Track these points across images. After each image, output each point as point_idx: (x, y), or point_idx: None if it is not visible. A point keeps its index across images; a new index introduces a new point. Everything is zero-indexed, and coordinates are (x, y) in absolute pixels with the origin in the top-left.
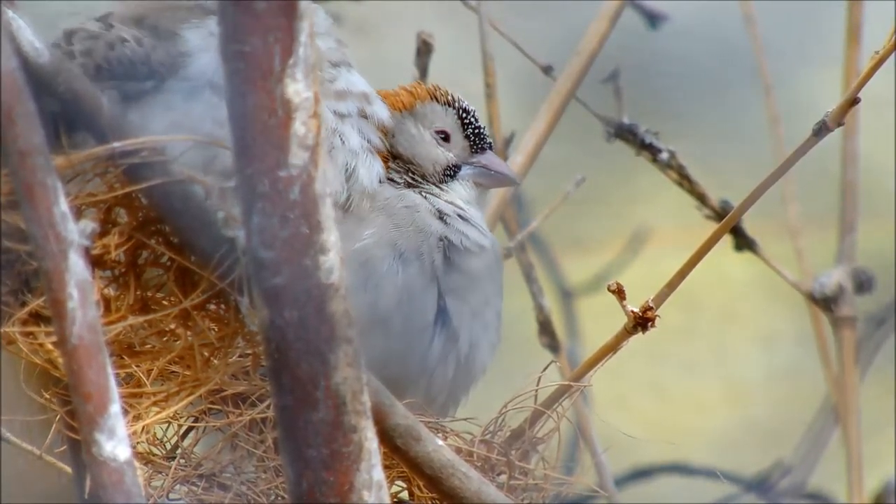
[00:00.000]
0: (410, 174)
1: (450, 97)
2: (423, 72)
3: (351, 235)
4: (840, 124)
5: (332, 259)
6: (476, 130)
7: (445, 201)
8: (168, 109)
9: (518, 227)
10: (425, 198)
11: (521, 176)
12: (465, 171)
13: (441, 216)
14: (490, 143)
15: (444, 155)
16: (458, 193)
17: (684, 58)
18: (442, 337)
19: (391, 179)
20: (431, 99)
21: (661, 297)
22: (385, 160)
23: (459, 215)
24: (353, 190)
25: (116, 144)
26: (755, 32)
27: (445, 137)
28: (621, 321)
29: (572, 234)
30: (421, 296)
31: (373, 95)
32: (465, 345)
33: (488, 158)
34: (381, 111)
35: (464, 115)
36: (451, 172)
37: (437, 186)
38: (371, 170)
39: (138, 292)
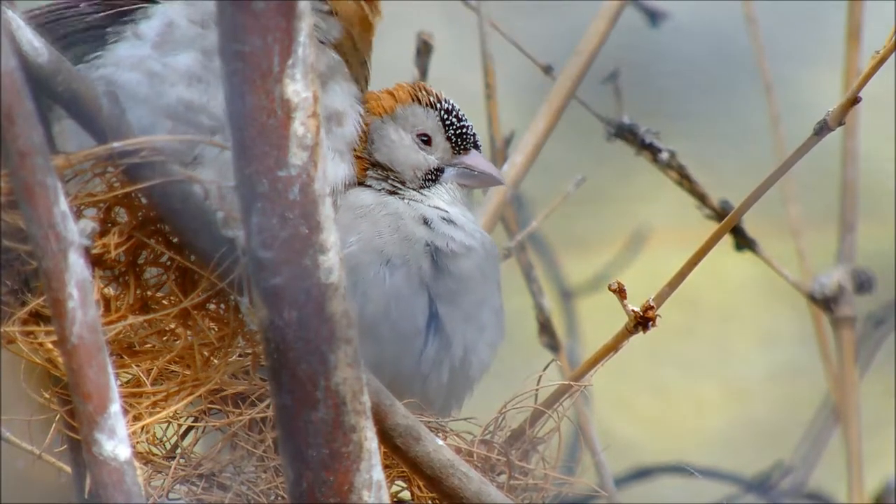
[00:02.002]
0: (390, 181)
1: (432, 98)
2: (423, 72)
3: None
4: (841, 124)
5: (332, 259)
6: (459, 131)
7: (428, 206)
8: (113, 56)
9: (518, 226)
10: (408, 204)
11: (521, 176)
12: (449, 172)
13: (425, 221)
14: (475, 142)
15: (424, 159)
16: (441, 196)
17: (684, 57)
18: (435, 342)
19: (369, 186)
20: (413, 101)
21: (662, 296)
22: (363, 169)
23: (444, 218)
24: None
25: (116, 144)
26: (756, 32)
27: (427, 140)
28: (622, 321)
29: (572, 233)
30: (410, 302)
31: (346, 115)
32: (460, 349)
33: (472, 159)
34: (351, 132)
35: (446, 116)
36: (432, 176)
37: (418, 192)
38: (336, 169)
39: (138, 292)
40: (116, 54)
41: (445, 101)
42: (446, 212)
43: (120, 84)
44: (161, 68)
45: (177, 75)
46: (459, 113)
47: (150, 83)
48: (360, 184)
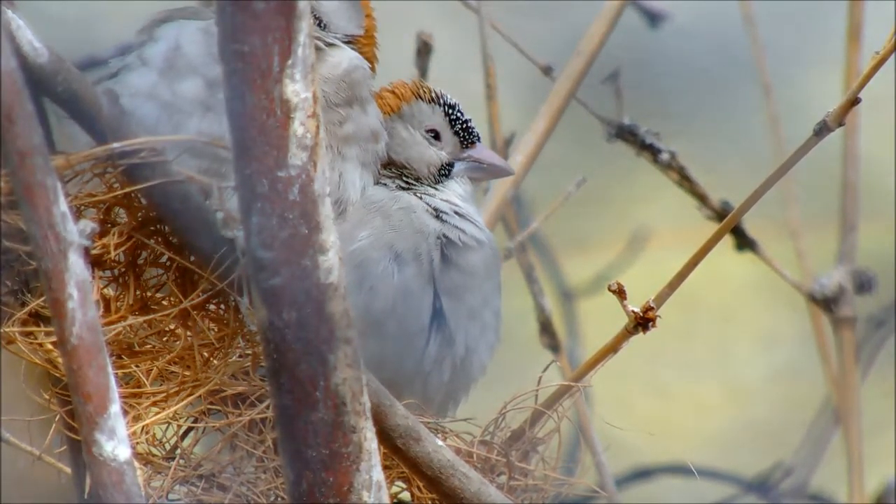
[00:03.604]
0: (403, 178)
1: (433, 94)
2: (423, 72)
3: (347, 237)
4: (841, 124)
5: (331, 259)
6: (464, 125)
7: (441, 200)
8: (121, 83)
9: (518, 227)
10: (420, 198)
11: (522, 176)
12: (459, 167)
13: (438, 214)
14: (478, 134)
15: (437, 154)
16: (454, 191)
17: (684, 58)
18: (437, 340)
19: (383, 184)
20: (416, 98)
21: (662, 297)
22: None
23: (456, 212)
24: (342, 196)
25: (116, 144)
26: (754, 33)
27: (436, 136)
28: (622, 321)
29: (573, 234)
30: (417, 298)
31: (380, 133)
32: (462, 347)
33: (479, 152)
34: (382, 148)
35: (450, 110)
36: (445, 171)
37: (431, 187)
38: (361, 180)
39: (138, 292)
40: (130, 83)
41: (445, 96)
42: (459, 206)
43: (139, 116)
44: (172, 97)
45: (188, 104)
46: (460, 107)
47: (168, 115)
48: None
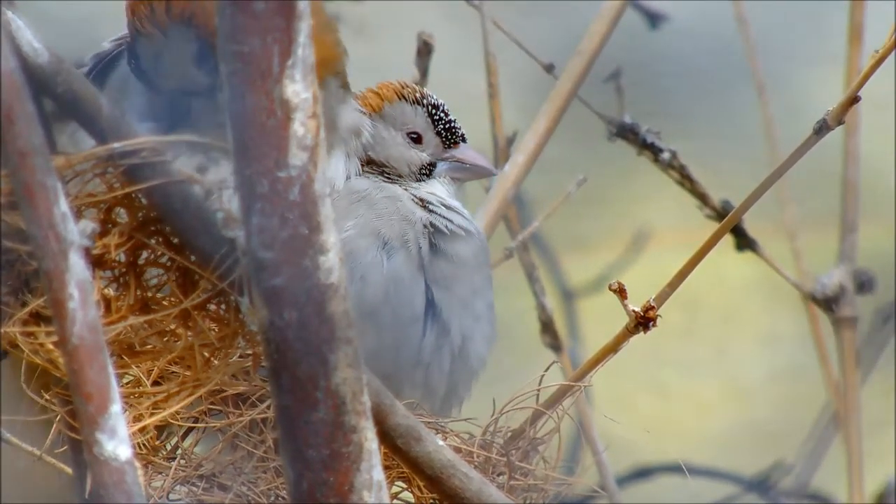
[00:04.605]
0: (385, 175)
1: (417, 94)
2: (423, 72)
3: None
4: (840, 123)
5: (332, 259)
6: (447, 125)
7: (426, 192)
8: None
9: (520, 226)
10: (405, 189)
11: (522, 175)
12: (441, 167)
13: (424, 204)
14: (462, 135)
15: (417, 156)
16: (437, 189)
17: (685, 58)
18: (434, 329)
19: (366, 176)
20: (399, 99)
21: (662, 296)
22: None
23: (442, 203)
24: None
25: (116, 144)
26: (747, 32)
27: (417, 138)
28: (622, 321)
29: (574, 233)
30: (409, 286)
31: (363, 127)
32: (458, 336)
33: (462, 152)
34: (366, 140)
35: (433, 111)
36: (426, 171)
37: (415, 183)
38: (343, 165)
39: (138, 292)
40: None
41: (430, 97)
42: (444, 198)
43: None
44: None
45: None
46: (445, 108)
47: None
48: None
